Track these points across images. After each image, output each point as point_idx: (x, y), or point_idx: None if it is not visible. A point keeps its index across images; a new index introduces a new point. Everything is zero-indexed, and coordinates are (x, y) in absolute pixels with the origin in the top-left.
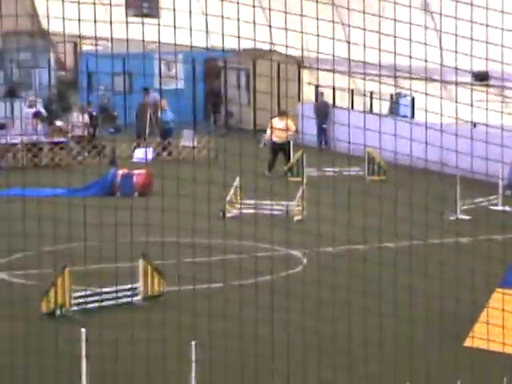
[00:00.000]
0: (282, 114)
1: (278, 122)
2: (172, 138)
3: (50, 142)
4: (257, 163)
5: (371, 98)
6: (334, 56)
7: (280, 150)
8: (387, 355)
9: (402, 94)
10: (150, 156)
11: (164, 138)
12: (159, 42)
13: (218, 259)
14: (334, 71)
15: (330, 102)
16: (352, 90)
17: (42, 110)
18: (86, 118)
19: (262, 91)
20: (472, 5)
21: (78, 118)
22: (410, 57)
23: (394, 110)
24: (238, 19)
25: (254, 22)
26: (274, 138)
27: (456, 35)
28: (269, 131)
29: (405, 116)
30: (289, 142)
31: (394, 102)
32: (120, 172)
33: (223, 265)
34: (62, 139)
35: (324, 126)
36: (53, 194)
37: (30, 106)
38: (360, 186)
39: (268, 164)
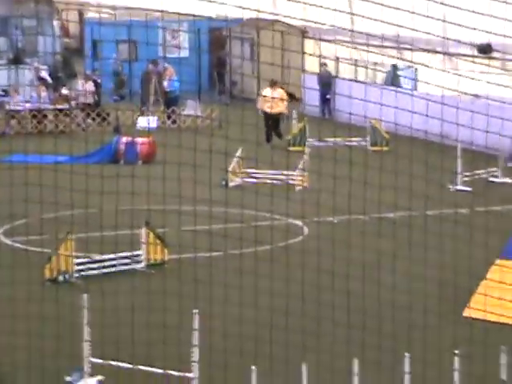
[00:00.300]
0: (273, 84)
1: (268, 92)
2: (177, 106)
3: (54, 109)
4: (259, 133)
5: (375, 69)
6: (335, 26)
7: (271, 119)
8: (386, 326)
9: (399, 65)
10: (154, 124)
11: (169, 107)
12: (162, 11)
13: (220, 228)
14: (335, 42)
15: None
16: (355, 61)
17: (48, 77)
18: (91, 85)
19: (266, 61)
20: None
21: (83, 86)
22: (413, 29)
23: (394, 82)
24: None
25: None
26: (266, 109)
27: (459, 8)
28: (260, 101)
29: (406, 88)
30: (282, 112)
31: (391, 73)
32: (124, 140)
33: (224, 233)
34: (66, 106)
35: (328, 96)
36: (56, 160)
37: (35, 73)
38: (362, 156)
39: (266, 135)
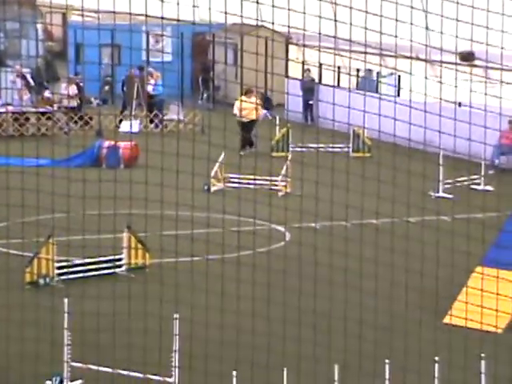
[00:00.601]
0: (248, 92)
1: (242, 100)
2: (163, 110)
3: (36, 112)
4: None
5: (357, 75)
6: (320, 33)
7: (246, 127)
8: (367, 332)
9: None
10: (136, 128)
11: (152, 111)
12: (146, 15)
13: (202, 233)
14: (319, 48)
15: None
16: (339, 67)
17: (30, 80)
18: (74, 88)
19: (250, 67)
20: None
21: (66, 89)
22: (396, 36)
23: (369, 87)
24: None
25: None
26: (240, 116)
27: (442, 16)
28: (236, 109)
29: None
30: (254, 120)
31: (363, 77)
32: (106, 144)
33: (206, 239)
34: (48, 109)
35: (310, 102)
36: (38, 164)
37: (18, 76)
38: (344, 162)
39: (241, 143)
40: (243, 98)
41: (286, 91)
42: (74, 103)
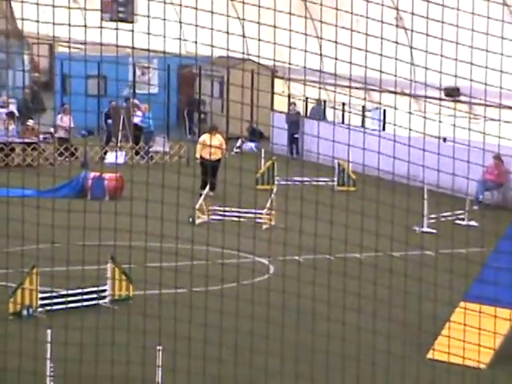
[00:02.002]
0: (212, 130)
1: (208, 139)
2: (152, 142)
3: (22, 143)
4: (226, 171)
5: (343, 109)
6: (305, 67)
7: (210, 167)
8: (350, 365)
9: (370, 107)
10: (121, 160)
11: (137, 143)
12: (133, 47)
13: (185, 265)
14: (305, 82)
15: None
16: (324, 101)
17: (15, 111)
18: (70, 119)
19: (236, 100)
20: (443, 22)
21: (62, 120)
22: (381, 71)
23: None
24: (212, 28)
25: (228, 32)
26: (205, 155)
27: (426, 52)
28: (198, 148)
29: (375, 129)
30: (219, 159)
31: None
32: (91, 175)
33: (191, 271)
34: (34, 140)
35: (296, 135)
36: (23, 194)
37: (2, 107)
38: (329, 196)
39: (202, 184)
40: (207, 136)
41: (271, 124)
42: (63, 134)
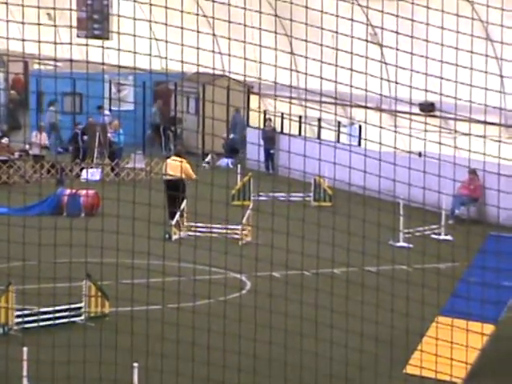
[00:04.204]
0: (177, 153)
1: (172, 162)
2: (120, 159)
3: None
4: (203, 187)
5: (319, 125)
6: (275, 83)
7: (173, 189)
8: (323, 380)
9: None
10: (97, 177)
11: (113, 159)
12: (103, 63)
13: (158, 281)
14: (275, 98)
15: (279, 128)
16: (300, 117)
17: None
18: (45, 137)
19: (212, 116)
20: (413, 38)
21: (37, 137)
22: (351, 86)
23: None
24: (182, 45)
25: (198, 48)
26: (167, 177)
27: (397, 67)
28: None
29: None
30: (182, 180)
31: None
32: (67, 192)
33: (163, 287)
34: (10, 157)
35: (271, 151)
36: None
37: None
38: (305, 211)
39: (168, 213)
40: (172, 159)
41: (247, 140)
42: (38, 151)
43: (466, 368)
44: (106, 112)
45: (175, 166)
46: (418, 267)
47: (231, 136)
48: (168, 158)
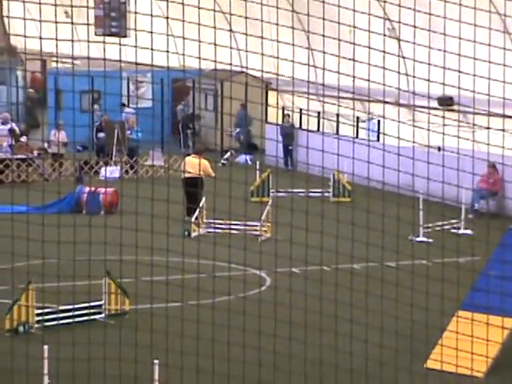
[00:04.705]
0: (197, 151)
1: (191, 160)
2: (138, 156)
3: (17, 159)
4: (222, 183)
5: (338, 121)
6: (293, 78)
7: (191, 186)
8: (343, 376)
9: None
10: (116, 174)
11: (131, 157)
12: (120, 61)
13: (179, 278)
14: (293, 93)
15: (298, 124)
16: (318, 113)
17: (15, 127)
18: (63, 135)
19: (230, 112)
20: (444, 34)
21: (55, 136)
22: (369, 80)
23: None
24: (199, 41)
25: (215, 44)
26: (186, 174)
27: (414, 61)
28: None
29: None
30: (201, 178)
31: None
32: (86, 189)
33: (184, 284)
34: (29, 156)
35: (290, 147)
36: (17, 210)
37: (4, 123)
38: (324, 207)
39: (186, 208)
40: (190, 158)
41: (265, 136)
42: (61, 150)
43: (487, 362)
44: (128, 109)
45: (194, 164)
46: (437, 261)
47: (236, 131)
48: (187, 155)
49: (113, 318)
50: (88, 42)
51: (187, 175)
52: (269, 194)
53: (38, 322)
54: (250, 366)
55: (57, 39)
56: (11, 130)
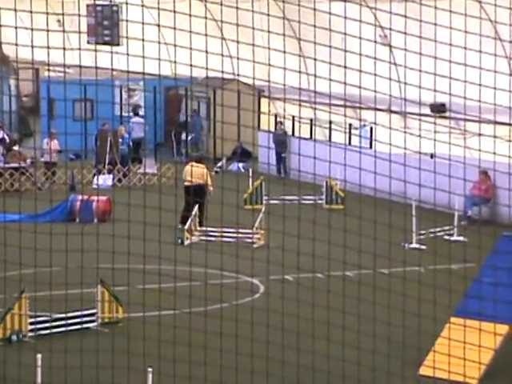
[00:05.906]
0: (198, 161)
1: (195, 168)
2: (128, 164)
3: (9, 168)
4: (215, 191)
5: (330, 128)
6: (284, 85)
7: (194, 194)
8: (335, 382)
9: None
10: (109, 183)
11: (124, 165)
12: (112, 69)
13: (172, 286)
14: (285, 100)
15: (290, 131)
16: (310, 120)
17: (6, 137)
18: (56, 144)
19: (223, 120)
20: (435, 40)
21: (48, 144)
22: (361, 87)
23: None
24: (191, 49)
25: (207, 51)
26: (186, 183)
27: (406, 68)
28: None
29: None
30: (203, 185)
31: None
32: (79, 198)
33: (178, 292)
34: (22, 164)
35: (283, 154)
36: (10, 219)
37: None
38: (317, 214)
39: (181, 217)
40: (192, 165)
41: (258, 143)
42: (55, 158)
43: (480, 368)
44: (136, 119)
45: (199, 173)
46: (430, 268)
47: (190, 136)
48: (187, 163)
49: (106, 326)
50: (80, 50)
51: (191, 183)
52: (262, 202)
53: (31, 330)
54: (243, 373)
55: (49, 47)
56: (2, 140)
